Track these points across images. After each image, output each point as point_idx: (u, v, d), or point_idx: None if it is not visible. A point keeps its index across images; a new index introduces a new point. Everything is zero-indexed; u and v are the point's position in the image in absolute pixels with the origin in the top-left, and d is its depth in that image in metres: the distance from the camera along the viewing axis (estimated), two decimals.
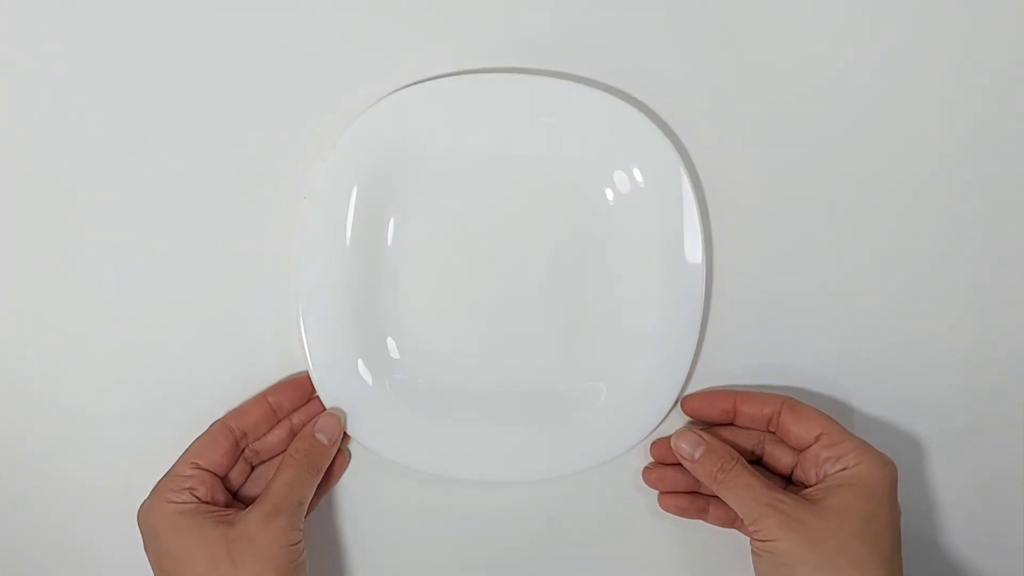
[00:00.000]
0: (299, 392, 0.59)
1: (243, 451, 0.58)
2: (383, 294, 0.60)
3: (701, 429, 0.58)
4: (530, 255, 0.59)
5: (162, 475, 0.56)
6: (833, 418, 0.56)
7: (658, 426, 0.60)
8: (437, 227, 0.60)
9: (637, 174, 0.59)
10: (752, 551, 0.55)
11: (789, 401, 0.57)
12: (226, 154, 0.59)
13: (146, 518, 0.55)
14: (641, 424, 0.60)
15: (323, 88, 0.59)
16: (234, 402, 0.59)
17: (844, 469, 0.55)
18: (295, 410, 0.59)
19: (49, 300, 0.60)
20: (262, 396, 0.59)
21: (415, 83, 0.58)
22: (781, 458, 0.58)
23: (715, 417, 0.59)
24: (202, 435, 0.57)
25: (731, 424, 0.59)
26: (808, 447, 0.56)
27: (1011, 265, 0.61)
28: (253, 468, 0.59)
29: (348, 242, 0.58)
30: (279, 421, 0.59)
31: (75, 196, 0.59)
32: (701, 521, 0.61)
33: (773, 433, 0.58)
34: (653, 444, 0.60)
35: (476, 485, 0.61)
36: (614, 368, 0.60)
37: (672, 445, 0.58)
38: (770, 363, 0.61)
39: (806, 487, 0.56)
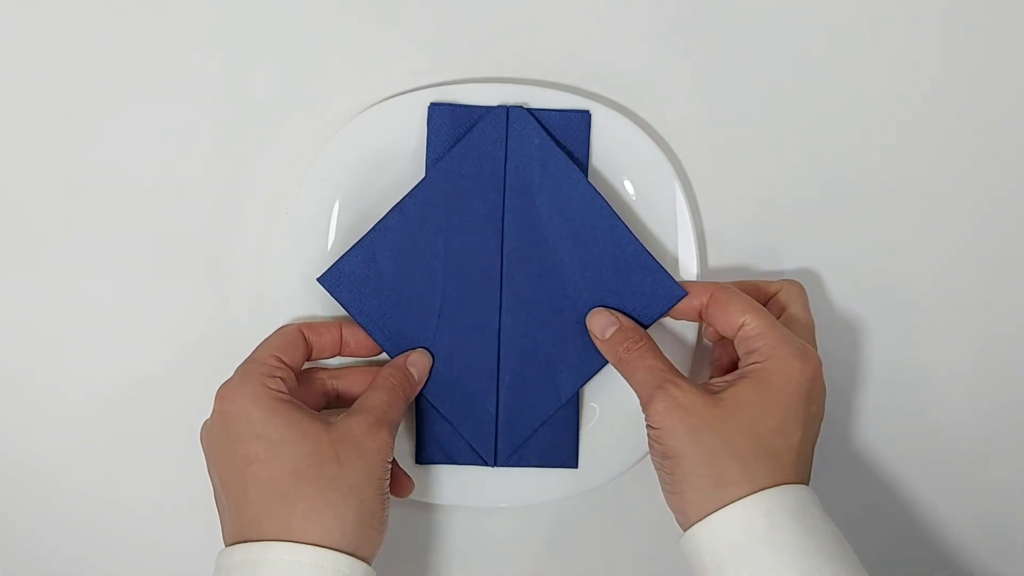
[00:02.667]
0: (369, 346, 0.57)
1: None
2: None
3: None
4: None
5: (240, 365, 0.53)
6: (761, 307, 0.54)
7: None
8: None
9: (629, 186, 0.58)
10: (648, 441, 0.53)
11: (719, 289, 0.55)
12: (206, 167, 0.59)
13: (236, 399, 0.51)
14: (635, 446, 0.58)
15: (304, 100, 0.59)
16: None
17: (753, 363, 0.52)
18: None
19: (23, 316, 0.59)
20: (337, 323, 0.56)
21: (401, 93, 0.58)
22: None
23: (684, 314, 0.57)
24: (278, 335, 0.54)
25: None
26: (734, 339, 0.54)
27: (1015, 271, 0.61)
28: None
29: (330, 258, 0.57)
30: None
31: (47, 215, 0.59)
32: None
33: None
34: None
35: (466, 510, 0.60)
36: (607, 388, 0.59)
37: (586, 323, 0.57)
38: None
39: None
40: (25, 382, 0.59)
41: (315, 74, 0.59)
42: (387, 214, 0.57)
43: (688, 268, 0.58)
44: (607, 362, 0.57)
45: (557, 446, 0.58)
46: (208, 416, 0.52)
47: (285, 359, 0.53)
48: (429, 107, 0.57)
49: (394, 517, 0.59)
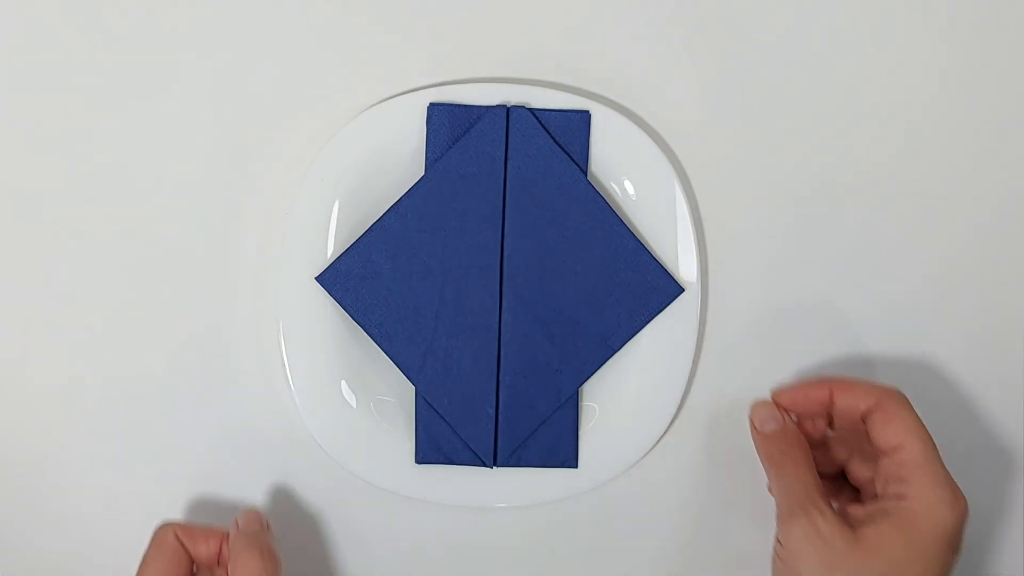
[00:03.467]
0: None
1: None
2: None
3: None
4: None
5: None
6: (927, 433, 0.51)
7: (652, 448, 0.59)
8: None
9: (628, 186, 0.58)
10: (773, 551, 0.51)
11: (888, 397, 0.52)
12: (206, 167, 0.59)
13: None
14: (634, 446, 0.58)
15: (304, 100, 0.59)
16: (215, 427, 0.59)
17: (900, 498, 0.50)
18: None
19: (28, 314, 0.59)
20: (218, 532, 0.55)
21: (401, 94, 0.58)
22: (863, 470, 0.53)
23: (811, 410, 0.55)
24: (156, 547, 0.54)
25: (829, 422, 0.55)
26: (884, 457, 0.51)
27: (1014, 274, 0.61)
28: None
29: (330, 258, 0.57)
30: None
31: (44, 214, 0.59)
32: (701, 546, 0.60)
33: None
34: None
35: (465, 510, 0.60)
36: (606, 388, 0.59)
37: (750, 409, 0.55)
38: (766, 381, 0.59)
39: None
40: (24, 382, 0.59)
41: (315, 74, 0.59)
42: (384, 213, 0.57)
43: (687, 268, 0.58)
44: (606, 361, 0.57)
45: (557, 446, 0.58)
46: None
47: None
48: (428, 107, 0.57)
49: (394, 517, 0.60)
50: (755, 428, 0.54)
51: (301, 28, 0.59)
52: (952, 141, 0.60)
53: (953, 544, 0.49)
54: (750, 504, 0.59)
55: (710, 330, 0.60)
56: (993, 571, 0.62)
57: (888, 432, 0.51)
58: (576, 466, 0.58)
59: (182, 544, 0.54)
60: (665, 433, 0.59)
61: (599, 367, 0.58)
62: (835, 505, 0.51)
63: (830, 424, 0.56)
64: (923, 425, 0.51)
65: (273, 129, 0.59)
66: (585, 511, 0.60)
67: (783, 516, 0.51)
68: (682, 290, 0.57)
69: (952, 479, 0.50)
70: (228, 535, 0.55)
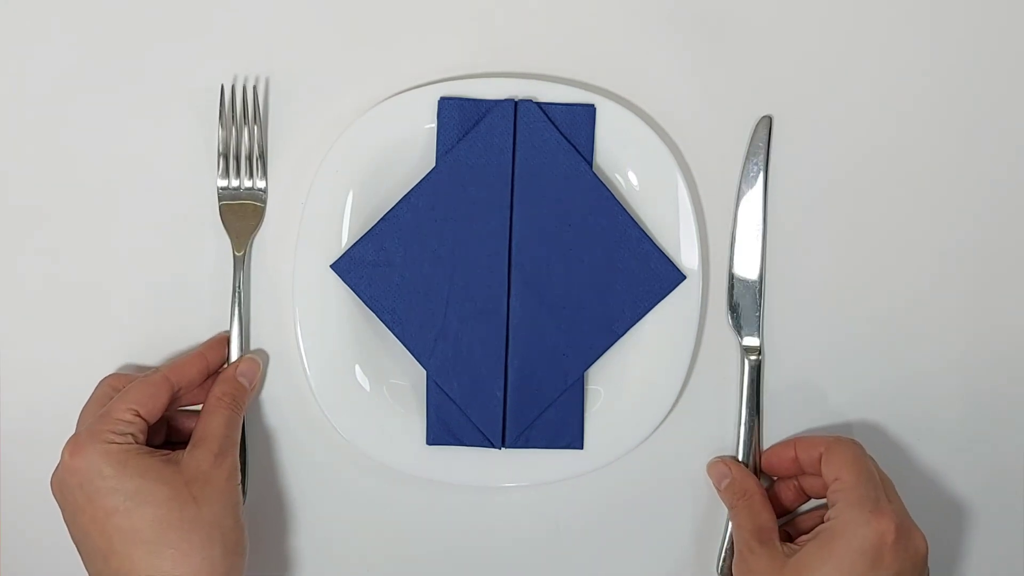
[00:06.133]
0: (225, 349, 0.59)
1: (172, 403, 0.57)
2: None
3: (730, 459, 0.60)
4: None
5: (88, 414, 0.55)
6: (865, 466, 0.54)
7: (655, 430, 0.60)
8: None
9: (633, 178, 0.60)
10: None
11: (836, 442, 0.56)
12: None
13: (86, 455, 0.52)
14: (638, 427, 0.60)
15: (319, 94, 0.60)
16: None
17: (826, 520, 0.53)
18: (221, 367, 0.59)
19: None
20: (200, 353, 0.58)
21: (412, 88, 0.59)
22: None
23: (788, 470, 0.59)
24: (143, 383, 0.55)
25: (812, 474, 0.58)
26: (827, 490, 0.55)
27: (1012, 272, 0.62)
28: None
29: (344, 246, 0.58)
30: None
31: (60, 206, 0.60)
32: (701, 525, 0.61)
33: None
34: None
35: (474, 489, 0.61)
36: (610, 372, 0.60)
37: (707, 469, 0.60)
38: (766, 363, 0.61)
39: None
40: (24, 374, 0.60)
41: (330, 69, 0.60)
42: (397, 204, 0.58)
43: (689, 256, 0.59)
44: (610, 345, 0.59)
45: (563, 428, 0.59)
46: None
47: (142, 411, 0.54)
48: (439, 101, 0.58)
49: (405, 496, 0.61)
50: (716, 487, 0.59)
51: (318, 25, 0.60)
52: (958, 138, 0.61)
53: (877, 560, 0.51)
54: None
55: (711, 316, 0.61)
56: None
57: (829, 468, 0.55)
58: (582, 447, 0.59)
59: (167, 379, 0.56)
60: (668, 415, 0.60)
61: (604, 351, 0.59)
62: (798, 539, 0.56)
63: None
64: (864, 461, 0.55)
65: (290, 122, 0.60)
66: (590, 490, 0.61)
67: (736, 558, 0.56)
68: (684, 277, 0.59)
69: (881, 503, 0.52)
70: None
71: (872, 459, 0.56)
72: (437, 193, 0.58)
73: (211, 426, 0.55)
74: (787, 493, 0.59)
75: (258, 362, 0.59)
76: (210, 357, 0.58)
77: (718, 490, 0.59)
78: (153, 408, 0.55)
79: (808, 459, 0.57)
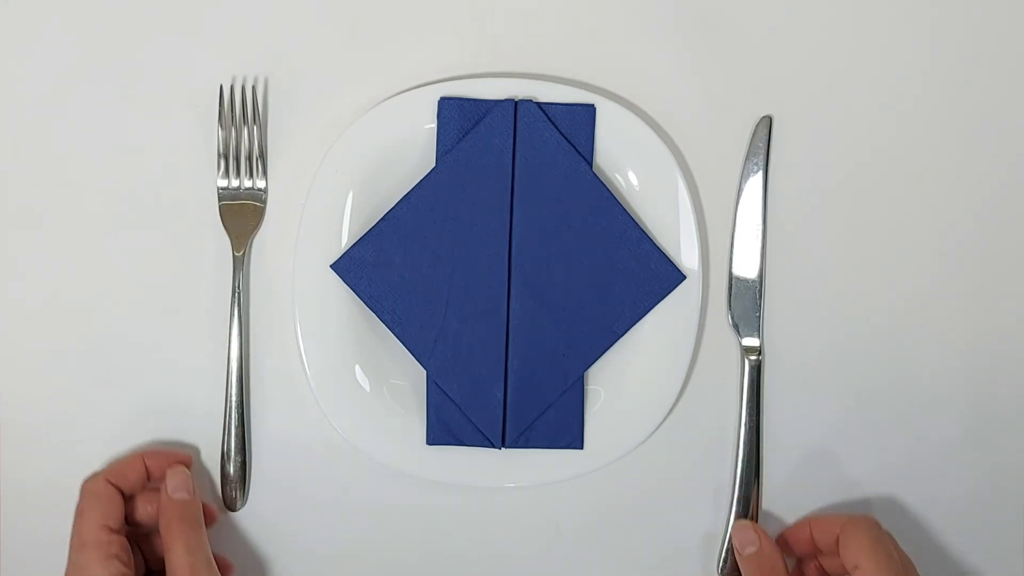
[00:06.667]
0: (169, 460, 0.58)
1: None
2: None
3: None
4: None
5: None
6: (885, 552, 0.53)
7: (655, 430, 0.60)
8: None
9: (633, 178, 0.60)
10: None
11: (852, 523, 0.55)
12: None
13: None
14: (637, 428, 0.60)
15: (319, 94, 0.60)
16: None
17: None
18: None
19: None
20: (139, 456, 0.57)
21: (412, 88, 0.59)
22: None
23: (805, 550, 0.58)
24: (90, 498, 0.55)
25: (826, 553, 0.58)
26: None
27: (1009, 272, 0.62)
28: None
29: (344, 246, 0.59)
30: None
31: (60, 208, 0.60)
32: (701, 525, 0.61)
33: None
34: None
35: (474, 490, 0.61)
36: (610, 373, 0.60)
37: (731, 531, 0.59)
38: (766, 363, 0.61)
39: None
40: (26, 375, 0.60)
41: (330, 69, 0.60)
42: (397, 204, 0.58)
43: (689, 256, 0.59)
44: (610, 345, 0.59)
45: (563, 428, 0.59)
46: None
47: (112, 524, 0.54)
48: (439, 101, 0.58)
49: (406, 496, 0.61)
50: (737, 551, 0.58)
51: (318, 25, 0.60)
52: (959, 138, 0.61)
53: None
54: None
55: (711, 316, 0.61)
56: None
57: (848, 553, 0.54)
58: (582, 447, 0.59)
59: (110, 482, 0.56)
60: (668, 415, 0.60)
61: (604, 351, 0.59)
62: None
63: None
64: (883, 544, 0.54)
65: (290, 122, 0.60)
66: (590, 490, 0.61)
67: None
68: (684, 277, 0.59)
69: None
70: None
71: (891, 537, 0.55)
72: (437, 193, 0.58)
73: (175, 560, 0.54)
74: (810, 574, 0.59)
75: (183, 469, 0.58)
76: (149, 462, 0.57)
77: (738, 553, 0.57)
78: (118, 516, 0.55)
79: (824, 540, 0.57)
